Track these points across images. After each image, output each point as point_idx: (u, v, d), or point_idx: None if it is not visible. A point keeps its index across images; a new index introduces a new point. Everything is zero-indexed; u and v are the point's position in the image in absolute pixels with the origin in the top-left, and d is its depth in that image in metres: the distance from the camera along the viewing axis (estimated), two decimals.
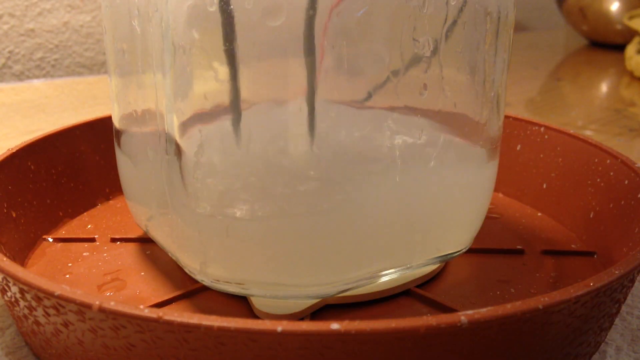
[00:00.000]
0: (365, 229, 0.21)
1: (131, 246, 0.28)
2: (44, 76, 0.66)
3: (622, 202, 0.27)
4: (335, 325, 0.16)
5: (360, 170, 0.21)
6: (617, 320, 0.23)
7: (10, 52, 0.64)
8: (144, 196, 0.24)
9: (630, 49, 0.69)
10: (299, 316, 0.22)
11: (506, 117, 0.33)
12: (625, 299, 0.21)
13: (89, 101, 0.55)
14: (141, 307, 0.16)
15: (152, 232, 0.25)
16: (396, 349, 0.16)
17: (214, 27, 0.19)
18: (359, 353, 0.16)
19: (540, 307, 0.17)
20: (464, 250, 0.25)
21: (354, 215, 0.21)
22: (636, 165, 0.27)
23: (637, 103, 0.60)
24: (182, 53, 0.19)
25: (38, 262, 0.26)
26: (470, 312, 0.16)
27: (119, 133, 0.25)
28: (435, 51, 0.21)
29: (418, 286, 0.24)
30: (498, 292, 0.24)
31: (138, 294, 0.24)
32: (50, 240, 0.28)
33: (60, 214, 0.30)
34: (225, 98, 0.20)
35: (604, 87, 0.69)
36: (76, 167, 0.31)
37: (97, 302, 0.17)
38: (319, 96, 0.20)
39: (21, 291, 0.19)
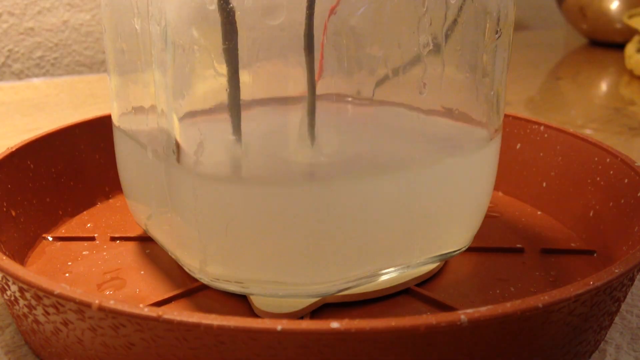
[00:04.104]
0: (365, 227, 0.21)
1: (131, 245, 0.28)
2: (44, 75, 0.66)
3: (622, 201, 0.27)
4: (335, 324, 0.16)
5: (360, 169, 0.21)
6: (616, 319, 0.23)
7: (9, 50, 0.64)
8: (144, 195, 0.24)
9: (630, 48, 0.69)
10: (299, 315, 0.22)
11: (506, 115, 0.33)
12: (624, 297, 0.21)
13: (89, 100, 0.55)
14: (141, 306, 0.16)
15: (151, 230, 0.25)
16: (396, 347, 0.16)
17: (213, 25, 0.19)
18: (358, 352, 0.16)
19: (540, 305, 0.17)
20: (463, 249, 0.25)
21: (353, 214, 0.21)
22: (636, 164, 0.27)
23: (636, 102, 0.60)
24: (181, 52, 0.19)
25: (37, 260, 0.26)
26: (470, 310, 0.16)
27: (118, 132, 0.25)
28: (435, 50, 0.21)
29: (418, 285, 0.24)
30: (498, 291, 0.24)
31: (138, 292, 0.24)
32: (50, 239, 0.28)
33: (60, 212, 0.30)
34: (224, 96, 0.20)
35: (603, 86, 0.69)
36: (76, 165, 0.31)
37: (97, 301, 0.17)
38: (318, 95, 0.20)
39: (21, 290, 0.19)
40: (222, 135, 0.20)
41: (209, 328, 0.16)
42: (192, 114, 0.20)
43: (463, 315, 0.16)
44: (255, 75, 0.20)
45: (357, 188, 0.21)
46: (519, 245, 0.28)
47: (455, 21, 0.21)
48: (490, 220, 0.30)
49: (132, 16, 0.22)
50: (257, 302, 0.22)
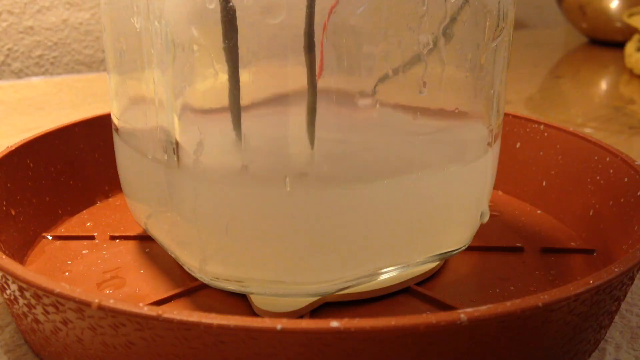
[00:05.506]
0: (365, 227, 0.21)
1: (130, 244, 0.28)
2: (43, 74, 0.66)
3: (622, 200, 0.27)
4: (334, 323, 0.16)
5: (359, 168, 0.21)
6: (616, 318, 0.23)
7: (9, 49, 0.64)
8: (144, 194, 0.24)
9: (630, 47, 0.69)
10: (299, 314, 0.22)
11: (506, 114, 0.33)
12: (624, 296, 0.21)
13: (88, 99, 0.55)
14: (140, 305, 0.16)
15: (151, 229, 0.25)
16: (396, 346, 0.16)
17: (213, 24, 0.19)
18: (358, 351, 0.16)
19: (540, 304, 0.17)
20: (463, 248, 0.25)
21: (353, 213, 0.21)
22: (636, 162, 0.27)
23: (636, 101, 0.60)
24: (181, 51, 0.19)
25: (37, 260, 0.26)
26: (470, 310, 0.16)
27: (118, 131, 0.25)
28: (434, 49, 0.21)
29: (418, 284, 0.24)
30: (497, 290, 0.24)
31: (137, 291, 0.24)
32: (50, 238, 0.28)
33: (60, 211, 0.30)
34: (224, 95, 0.20)
35: (603, 85, 0.69)
36: (75, 164, 0.31)
37: (97, 300, 0.17)
38: (319, 94, 0.20)
39: (20, 289, 0.19)
40: (222, 135, 0.20)
41: (208, 327, 0.16)
42: (191, 113, 0.20)
43: (463, 314, 0.16)
44: (255, 74, 0.20)
45: (357, 188, 0.21)
46: (518, 244, 0.28)
47: (455, 20, 0.21)
48: (490, 219, 0.30)
49: (132, 15, 0.22)
50: (257, 301, 0.22)
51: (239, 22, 0.19)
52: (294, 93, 0.20)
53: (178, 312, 0.16)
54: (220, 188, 0.20)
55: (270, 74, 0.20)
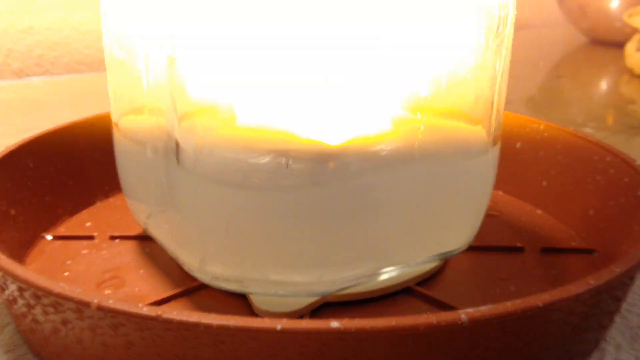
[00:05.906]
0: (365, 226, 0.21)
1: (130, 244, 0.28)
2: (43, 73, 0.66)
3: (622, 200, 0.27)
4: (335, 323, 0.16)
5: (359, 167, 0.21)
6: (616, 318, 0.23)
7: (9, 49, 0.64)
8: (143, 194, 0.24)
9: (630, 47, 0.69)
10: (299, 314, 0.22)
11: (506, 114, 0.33)
12: (625, 296, 0.21)
13: (88, 99, 0.55)
14: (140, 305, 0.16)
15: (151, 229, 0.25)
16: (396, 347, 0.16)
17: None
18: (358, 351, 0.16)
19: (540, 305, 0.17)
20: (463, 248, 0.25)
21: (353, 212, 0.21)
22: (636, 162, 0.27)
23: (637, 100, 0.60)
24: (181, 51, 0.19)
25: (37, 260, 0.26)
26: (470, 310, 0.16)
27: (118, 130, 0.25)
28: (435, 49, 0.21)
29: (418, 284, 0.24)
30: (498, 290, 0.24)
31: (137, 291, 0.24)
32: (49, 238, 0.28)
33: (59, 211, 0.30)
34: (224, 95, 0.20)
35: (603, 85, 0.69)
36: (75, 164, 0.31)
37: (96, 300, 0.17)
38: (319, 93, 0.20)
39: (20, 289, 0.19)
40: (222, 135, 0.20)
41: (208, 327, 0.16)
42: (192, 113, 0.20)
43: (463, 314, 0.16)
44: (256, 73, 0.20)
45: (357, 186, 0.21)
46: (519, 244, 0.28)
47: (455, 19, 0.21)
48: (490, 219, 0.30)
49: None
50: (257, 301, 0.22)
51: None
52: (294, 93, 0.20)
53: (178, 312, 0.16)
54: (220, 188, 0.20)
55: (270, 73, 0.20)
